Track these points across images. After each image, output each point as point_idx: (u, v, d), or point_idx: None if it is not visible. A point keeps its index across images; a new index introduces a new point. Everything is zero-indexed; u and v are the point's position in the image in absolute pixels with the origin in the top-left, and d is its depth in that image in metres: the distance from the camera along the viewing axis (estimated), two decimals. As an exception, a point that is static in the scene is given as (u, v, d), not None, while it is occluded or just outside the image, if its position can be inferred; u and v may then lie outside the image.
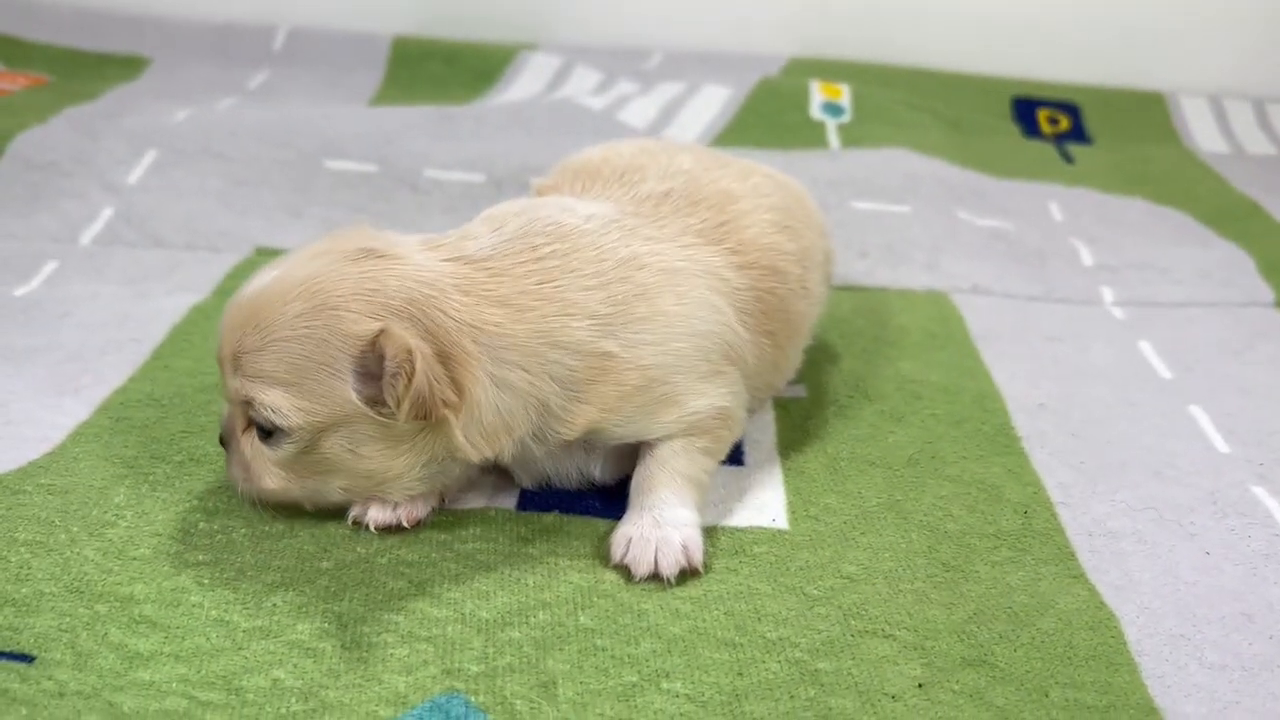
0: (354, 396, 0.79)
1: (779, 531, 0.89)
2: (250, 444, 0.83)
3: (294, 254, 0.85)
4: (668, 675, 0.74)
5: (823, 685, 0.73)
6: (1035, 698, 0.73)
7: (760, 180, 1.07)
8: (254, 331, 0.80)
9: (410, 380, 0.76)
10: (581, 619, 0.78)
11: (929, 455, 1.01)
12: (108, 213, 1.43)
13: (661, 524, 0.84)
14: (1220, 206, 1.66)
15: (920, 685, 0.74)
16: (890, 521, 0.91)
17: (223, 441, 0.86)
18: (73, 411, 1.01)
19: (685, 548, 0.83)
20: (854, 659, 0.76)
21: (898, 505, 0.94)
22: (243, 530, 0.86)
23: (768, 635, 0.78)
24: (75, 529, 0.84)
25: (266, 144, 1.58)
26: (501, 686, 0.72)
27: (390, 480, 0.83)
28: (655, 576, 0.82)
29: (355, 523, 0.86)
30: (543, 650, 0.75)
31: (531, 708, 0.70)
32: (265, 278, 0.82)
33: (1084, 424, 1.08)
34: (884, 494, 0.95)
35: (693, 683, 0.73)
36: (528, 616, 0.78)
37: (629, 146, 1.09)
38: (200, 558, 0.82)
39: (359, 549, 0.85)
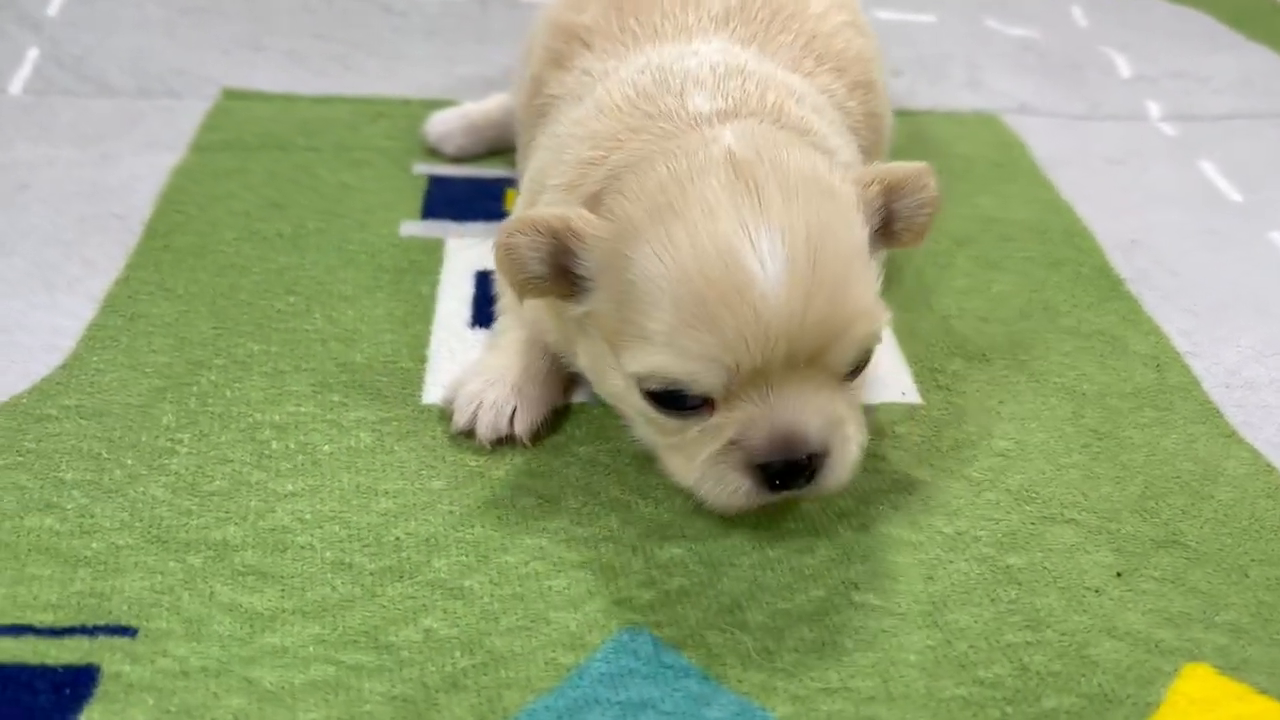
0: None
1: (913, 406, 0.82)
2: (836, 401, 0.65)
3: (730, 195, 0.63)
4: (856, 586, 0.67)
5: (1020, 584, 0.68)
6: (1236, 578, 0.69)
7: None
8: (828, 294, 0.62)
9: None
10: (740, 526, 0.70)
11: (1039, 306, 0.94)
12: (33, 54, 1.20)
13: None
14: (1240, 5, 1.58)
15: (1119, 574, 0.69)
16: (1025, 386, 0.85)
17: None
18: (73, 310, 0.85)
19: None
20: (1043, 550, 0.70)
21: (1026, 366, 0.87)
22: (326, 448, 0.74)
23: (944, 530, 0.71)
24: (130, 461, 0.72)
25: (203, -40, 1.35)
26: (684, 615, 0.64)
27: None
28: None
29: (461, 432, 0.75)
30: (711, 569, 0.67)
31: (727, 639, 0.63)
32: (768, 259, 0.61)
33: (1179, 260, 1.02)
34: (1007, 354, 0.88)
35: (884, 592, 0.67)
36: (681, 529, 0.70)
37: None
38: (289, 486, 0.71)
39: (469, 461, 0.74)
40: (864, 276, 0.65)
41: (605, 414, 0.78)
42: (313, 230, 0.97)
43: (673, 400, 0.65)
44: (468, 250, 0.97)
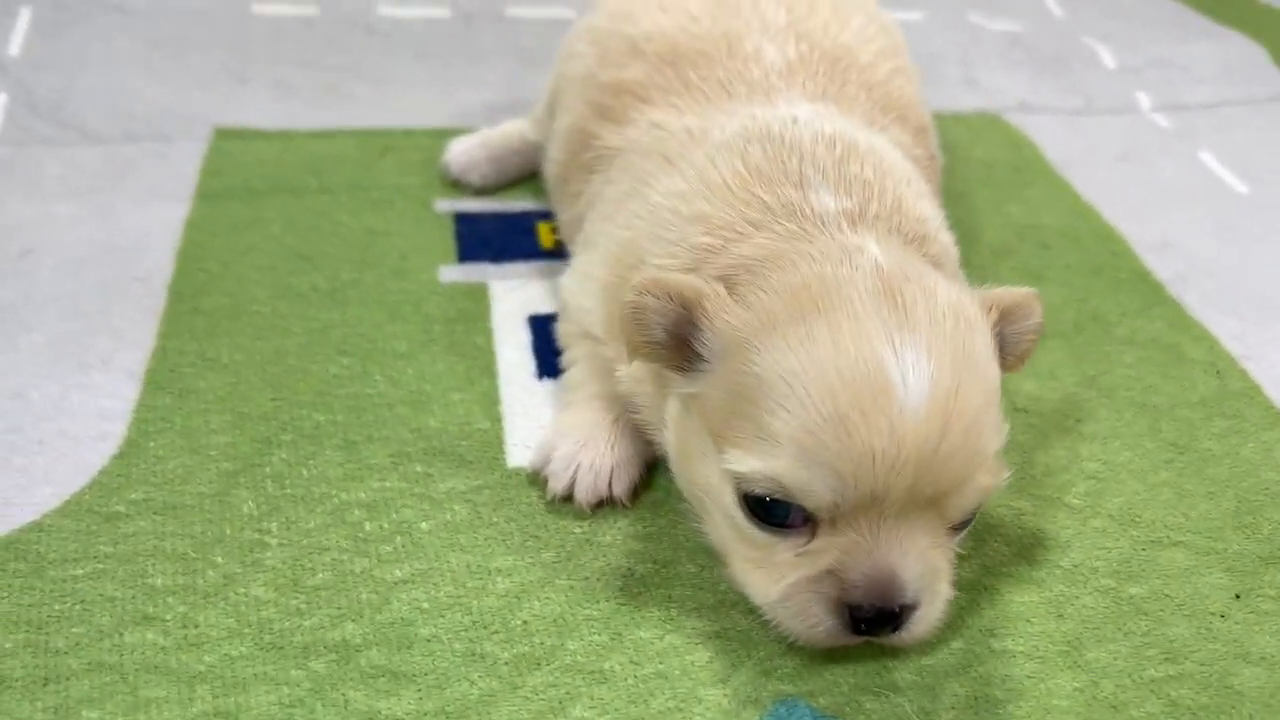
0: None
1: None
2: (938, 551, 0.61)
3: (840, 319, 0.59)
4: (992, 633, 0.66)
5: (1147, 614, 0.68)
6: (1348, 590, 0.71)
7: (846, 15, 0.92)
8: (964, 432, 0.57)
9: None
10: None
11: (1090, 316, 0.95)
12: (2, 99, 1.12)
13: None
14: (1204, -11, 1.62)
15: (1237, 596, 0.70)
16: (1098, 402, 0.85)
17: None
18: (114, 390, 0.79)
19: None
20: (1160, 577, 0.71)
21: (1095, 382, 0.87)
22: (423, 525, 0.71)
23: (1061, 564, 0.71)
24: (220, 559, 0.67)
25: (170, -13, 1.27)
26: (835, 681, 0.63)
27: None
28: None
29: (559, 498, 0.72)
30: (846, 624, 0.66)
31: (883, 703, 0.62)
32: (911, 373, 0.57)
33: (1211, 260, 1.04)
34: (1073, 368, 0.89)
35: (1020, 636, 0.66)
36: (805, 584, 0.69)
37: (687, 3, 0.89)
38: (397, 572, 0.67)
39: (574, 528, 0.71)
40: (997, 421, 0.61)
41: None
42: (348, 282, 0.93)
43: (770, 512, 0.59)
44: (513, 294, 0.93)
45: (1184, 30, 1.50)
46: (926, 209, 0.73)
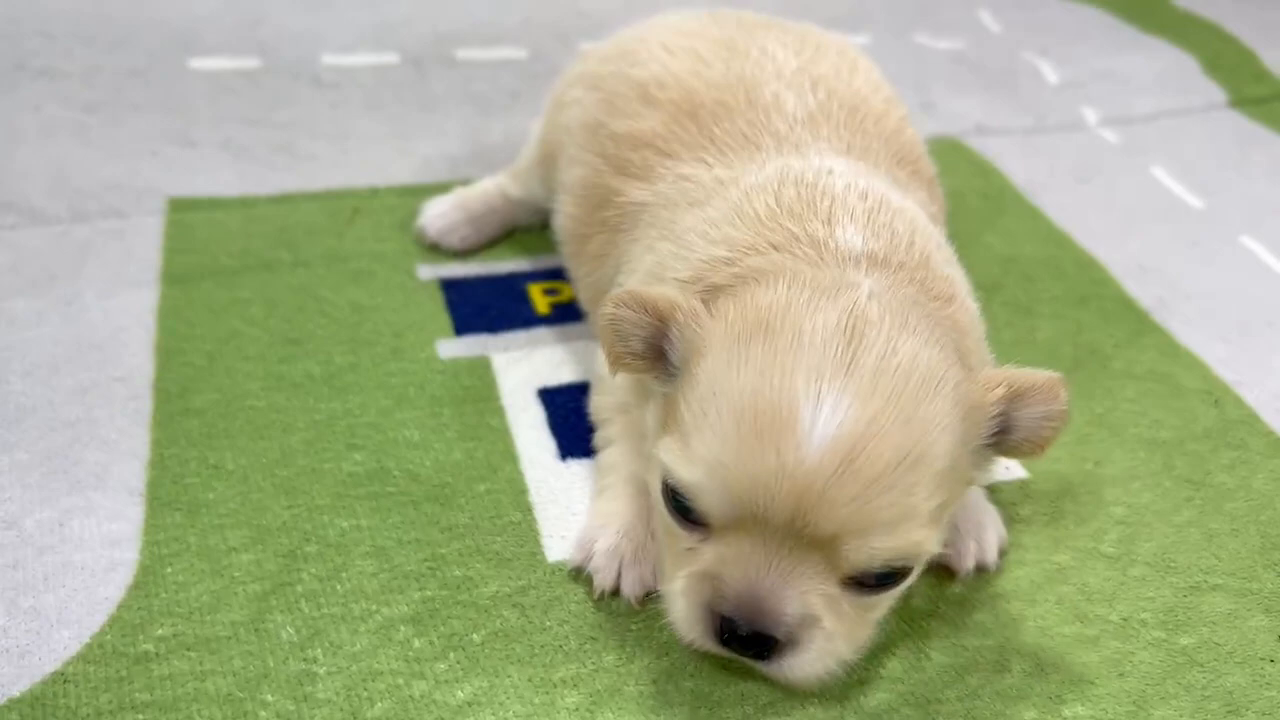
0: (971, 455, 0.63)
1: (1023, 481, 0.83)
2: (833, 600, 0.60)
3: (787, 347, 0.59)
4: (1061, 699, 0.67)
5: (1201, 665, 0.69)
6: (1378, 620, 0.73)
7: (852, 58, 0.92)
8: (864, 484, 0.57)
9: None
10: (931, 651, 0.69)
11: (1087, 350, 0.97)
12: (-71, 180, 1.04)
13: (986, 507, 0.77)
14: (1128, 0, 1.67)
15: (1279, 638, 0.72)
16: (1110, 441, 0.87)
17: (737, 639, 0.60)
18: (117, 510, 0.74)
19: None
20: (1206, 625, 0.72)
21: (1103, 420, 0.89)
22: (474, 637, 0.68)
23: (1111, 618, 0.72)
24: (270, 697, 0.63)
25: (98, 46, 1.20)
26: (920, 769, 0.62)
27: None
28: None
29: (606, 594, 0.71)
30: (922, 709, 0.65)
31: (973, 789, 0.62)
32: (821, 417, 0.57)
33: (1185, 281, 1.07)
34: (1081, 407, 0.90)
35: (1088, 699, 0.67)
36: (878, 667, 0.68)
37: (693, 43, 0.88)
38: (459, 694, 0.64)
39: (630, 626, 0.69)
40: (923, 489, 0.58)
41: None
42: (344, 366, 0.88)
43: (681, 505, 0.61)
44: (517, 365, 0.90)
45: (1115, 41, 1.55)
46: (955, 274, 0.73)
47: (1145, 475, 0.84)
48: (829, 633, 0.59)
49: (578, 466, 0.81)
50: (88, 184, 1.07)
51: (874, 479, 0.56)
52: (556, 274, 1.01)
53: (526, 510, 0.77)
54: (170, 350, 0.88)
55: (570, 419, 0.85)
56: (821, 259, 0.66)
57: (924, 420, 0.58)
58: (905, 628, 0.71)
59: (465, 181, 1.11)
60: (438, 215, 1.03)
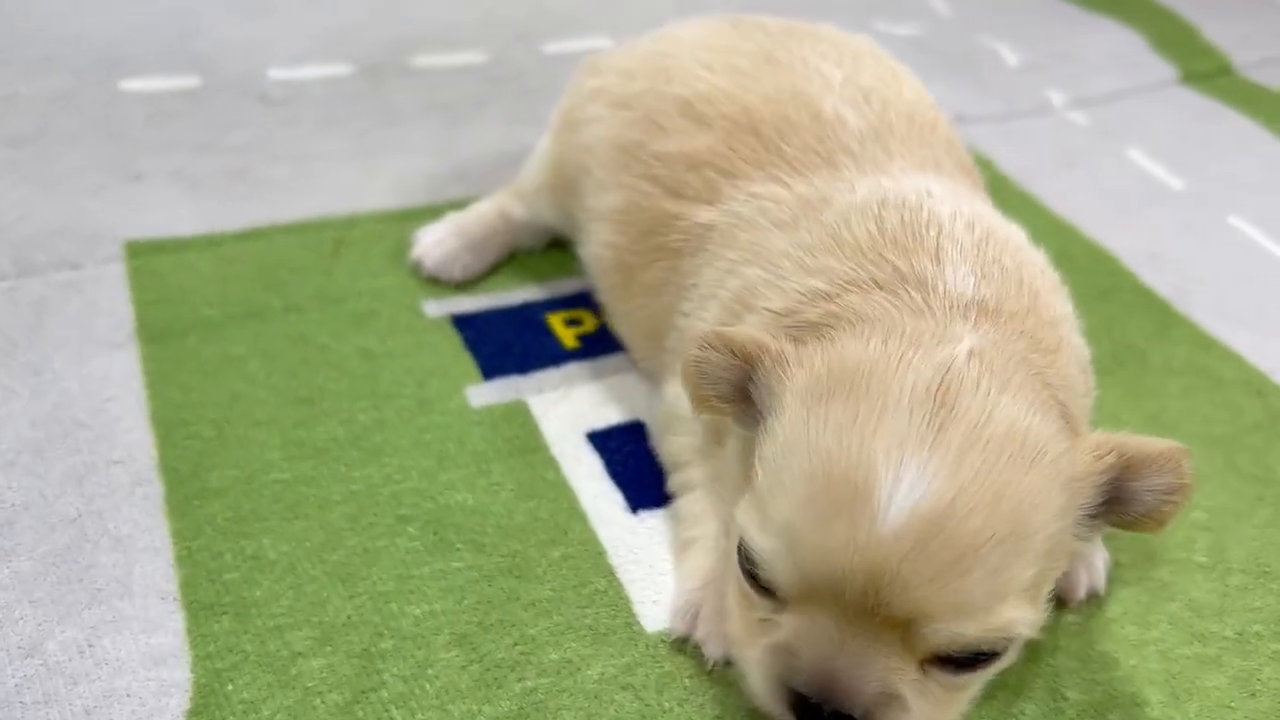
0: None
1: (1101, 493, 0.81)
2: (925, 687, 0.55)
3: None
4: (1204, 729, 0.65)
5: (1325, 676, 0.69)
6: None
7: (890, 65, 0.88)
8: (944, 564, 0.52)
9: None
10: (1070, 696, 0.66)
11: (1123, 345, 0.95)
12: None
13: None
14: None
15: (1387, 638, 0.71)
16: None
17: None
18: (154, 620, 0.65)
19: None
20: (1318, 632, 0.71)
21: (1156, 420, 0.88)
22: (568, 716, 0.62)
23: (1226, 634, 0.70)
24: (385, 831, 0.56)
25: (15, 69, 1.06)
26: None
27: None
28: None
29: (719, 663, 0.65)
30: (1068, 752, 0.63)
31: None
32: (901, 491, 0.52)
33: (1194, 266, 1.07)
34: (1132, 408, 0.88)
35: (1229, 727, 0.65)
36: (978, 713, 0.65)
37: (729, 58, 0.82)
38: (592, 799, 0.58)
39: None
40: (1015, 568, 0.53)
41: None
42: (370, 425, 0.80)
43: (753, 573, 0.57)
44: (556, 408, 0.83)
45: (1064, 21, 1.55)
46: (1060, 306, 0.69)
47: (1212, 475, 0.83)
48: (912, 713, 0.55)
49: (651, 519, 0.75)
50: (28, 230, 0.94)
51: (955, 559, 0.51)
52: (573, 301, 0.94)
53: (609, 575, 0.71)
54: (170, 422, 0.78)
55: (631, 463, 0.79)
56: (928, 306, 0.61)
57: (1017, 495, 0.53)
58: (1034, 668, 0.68)
59: (448, 203, 1.03)
60: (434, 244, 0.95)
